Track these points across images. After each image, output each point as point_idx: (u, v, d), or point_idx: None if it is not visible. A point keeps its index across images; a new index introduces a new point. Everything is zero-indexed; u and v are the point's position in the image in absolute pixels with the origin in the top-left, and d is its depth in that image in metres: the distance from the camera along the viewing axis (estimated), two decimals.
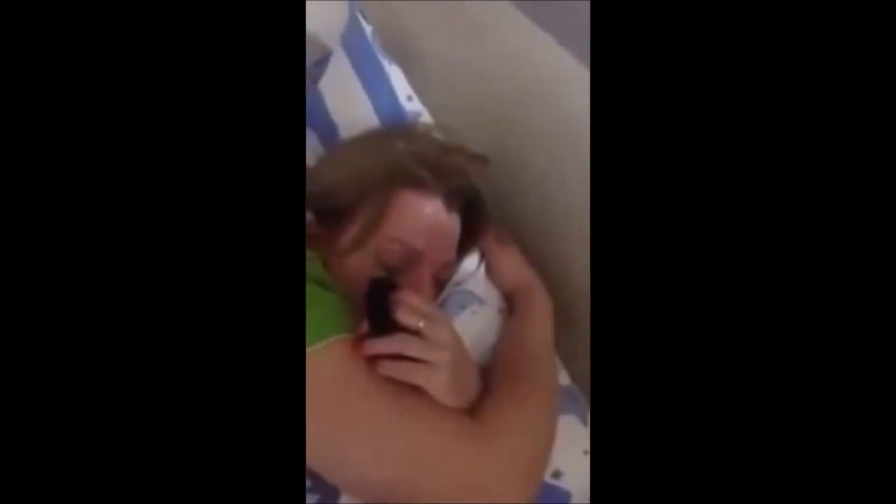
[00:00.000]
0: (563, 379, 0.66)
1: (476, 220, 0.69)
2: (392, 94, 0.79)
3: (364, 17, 0.82)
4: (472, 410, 0.52)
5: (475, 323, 0.64)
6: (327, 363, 0.48)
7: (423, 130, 0.75)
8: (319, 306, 0.50)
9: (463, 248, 0.69)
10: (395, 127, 0.77)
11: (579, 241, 0.67)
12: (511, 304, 0.67)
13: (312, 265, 0.54)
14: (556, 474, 0.59)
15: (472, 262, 0.70)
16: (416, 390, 0.49)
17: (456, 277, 0.68)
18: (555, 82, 0.75)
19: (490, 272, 0.70)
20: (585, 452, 0.59)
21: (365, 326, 0.50)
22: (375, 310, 0.51)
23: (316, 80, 0.86)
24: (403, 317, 0.50)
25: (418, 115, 0.79)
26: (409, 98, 0.79)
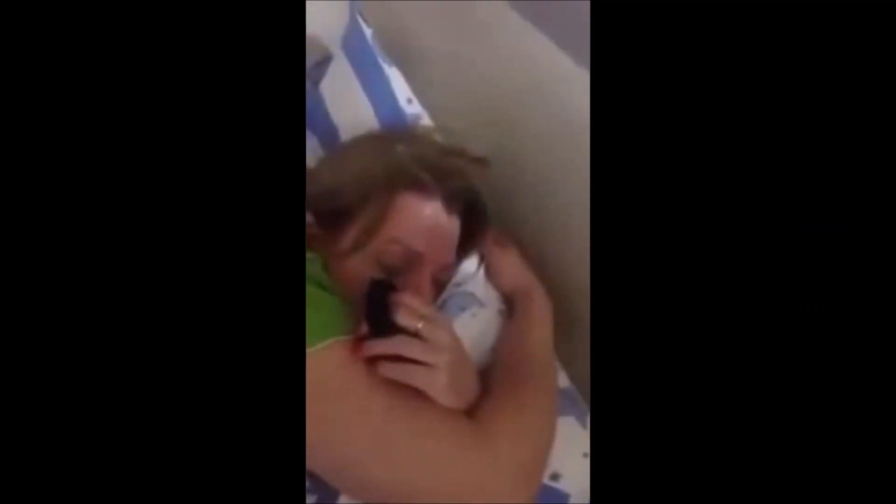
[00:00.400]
0: (563, 381, 0.66)
1: (476, 222, 0.69)
2: (392, 96, 0.79)
3: (364, 20, 0.82)
4: (472, 412, 0.52)
5: (475, 325, 0.64)
6: (327, 364, 0.48)
7: (423, 133, 0.75)
8: (319, 308, 0.50)
9: (463, 250, 0.69)
10: (395, 129, 0.77)
11: (579, 242, 0.67)
12: (511, 305, 0.67)
13: (312, 267, 0.54)
14: (555, 476, 0.59)
15: (471, 263, 0.70)
16: (415, 392, 0.49)
17: (455, 279, 0.68)
18: (555, 84, 0.75)
19: (490, 274, 0.70)
20: (584, 454, 0.59)
21: (364, 328, 0.50)
22: (375, 311, 0.51)
23: (316, 83, 0.86)
24: (403, 318, 0.50)
25: (418, 117, 0.79)
26: (409, 100, 0.79)
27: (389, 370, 0.49)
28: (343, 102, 0.82)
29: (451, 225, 0.66)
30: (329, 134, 0.82)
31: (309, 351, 0.46)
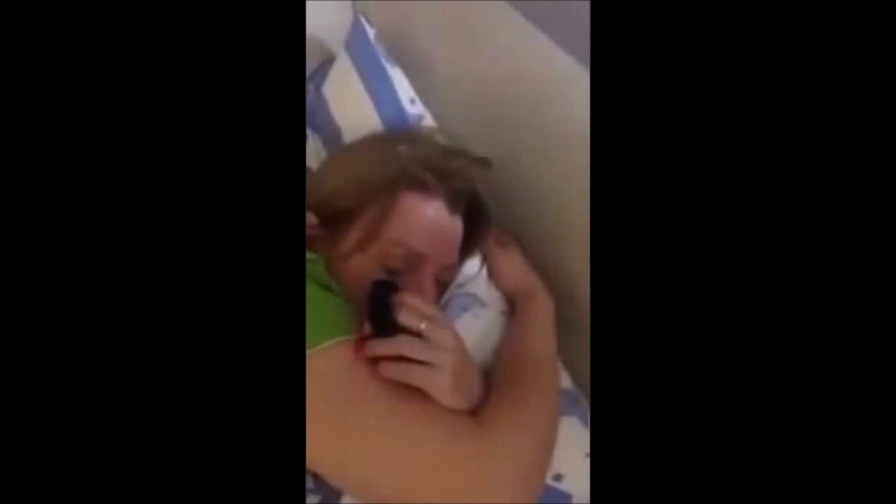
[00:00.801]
0: (565, 381, 0.66)
1: (478, 223, 0.69)
2: (395, 97, 0.79)
3: (367, 21, 0.82)
4: (474, 413, 0.52)
5: (477, 325, 0.64)
6: (329, 365, 0.48)
7: (425, 134, 0.75)
8: (322, 308, 0.50)
9: (465, 251, 0.69)
10: (398, 130, 0.77)
11: (580, 242, 0.67)
12: (513, 306, 0.67)
13: (315, 267, 0.54)
14: (558, 477, 0.59)
15: (473, 264, 0.70)
16: (417, 392, 0.49)
17: (458, 280, 0.68)
18: (556, 84, 0.75)
19: (492, 275, 0.70)
20: (587, 455, 0.59)
21: (367, 328, 0.50)
22: (377, 311, 0.51)
23: (319, 84, 0.86)
24: (405, 319, 0.50)
25: (421, 118, 0.79)
26: (412, 101, 0.80)
27: (392, 370, 0.49)
28: (346, 103, 0.82)
29: (453, 226, 0.66)
30: (332, 135, 0.82)
31: (312, 351, 0.47)
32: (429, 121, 0.79)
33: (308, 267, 0.52)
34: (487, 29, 0.83)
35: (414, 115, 0.79)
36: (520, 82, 0.79)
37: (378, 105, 0.79)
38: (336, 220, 0.62)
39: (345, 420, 0.48)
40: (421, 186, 0.63)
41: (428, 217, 0.63)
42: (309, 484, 0.56)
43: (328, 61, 0.89)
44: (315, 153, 0.82)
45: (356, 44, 0.82)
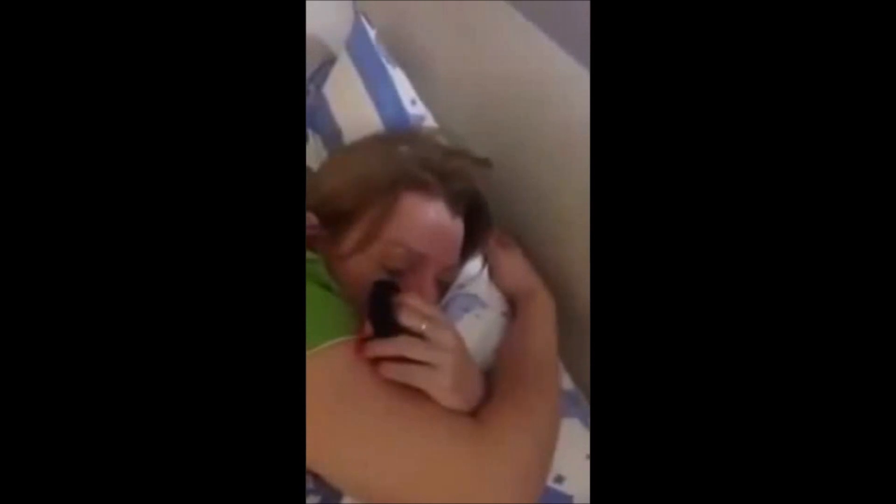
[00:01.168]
0: (566, 383, 0.66)
1: (479, 224, 0.69)
2: (396, 97, 0.79)
3: (368, 22, 0.82)
4: (475, 414, 0.52)
5: (478, 326, 0.64)
6: (330, 364, 0.48)
7: (426, 134, 0.75)
8: (323, 308, 0.50)
9: (466, 252, 0.69)
10: (399, 131, 0.77)
11: (581, 243, 0.67)
12: (514, 307, 0.67)
13: (316, 267, 0.54)
14: (559, 478, 0.59)
15: (474, 265, 0.70)
16: (418, 393, 0.49)
17: (459, 280, 0.68)
18: (557, 86, 0.75)
19: (493, 275, 0.70)
20: (588, 456, 0.59)
21: (368, 328, 0.50)
22: (378, 312, 0.51)
23: (320, 85, 0.87)
24: (406, 319, 0.50)
25: (422, 118, 0.79)
26: (413, 102, 0.80)
27: (392, 371, 0.49)
28: (347, 104, 0.82)
29: (454, 226, 0.66)
30: (333, 135, 0.82)
31: (312, 351, 0.46)
32: (430, 121, 0.80)
33: (309, 267, 0.52)
34: (488, 29, 0.83)
35: (415, 116, 0.79)
36: (520, 83, 0.79)
37: (379, 105, 0.79)
38: (337, 220, 0.62)
39: (345, 420, 0.48)
40: (422, 187, 0.63)
41: (429, 218, 0.63)
42: (309, 484, 0.56)
43: (329, 62, 0.89)
44: (316, 153, 0.82)
45: (357, 44, 0.83)
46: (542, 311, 0.65)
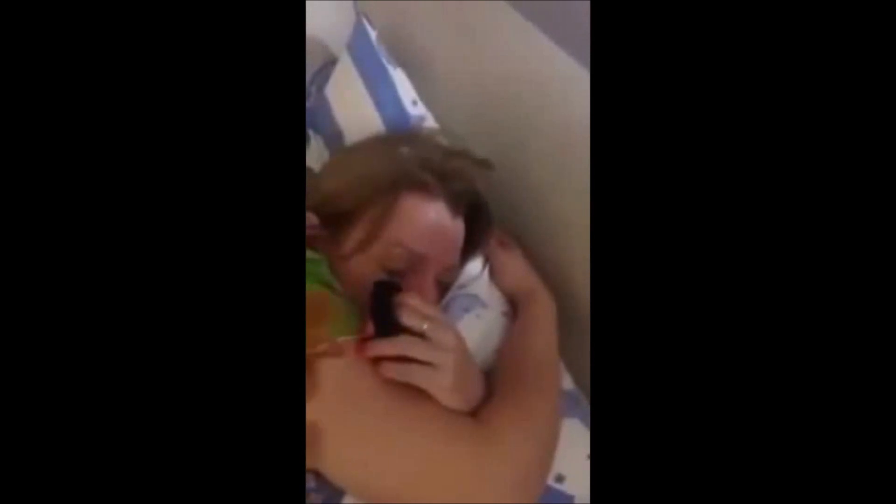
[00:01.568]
0: (567, 383, 0.66)
1: (479, 224, 0.69)
2: (397, 98, 0.79)
3: (369, 23, 0.83)
4: (475, 413, 0.52)
5: (478, 326, 0.64)
6: (332, 364, 0.48)
7: (427, 135, 0.76)
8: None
9: (466, 252, 0.69)
10: (400, 131, 0.77)
11: (581, 243, 0.67)
12: (515, 307, 0.68)
13: (318, 267, 0.54)
14: (559, 478, 0.59)
15: (475, 265, 0.70)
16: (419, 392, 0.49)
17: (459, 281, 0.68)
18: (557, 86, 0.75)
19: (493, 276, 0.70)
20: (588, 457, 0.59)
21: (369, 328, 0.51)
22: (379, 312, 0.51)
23: (322, 86, 0.87)
24: (407, 319, 0.50)
25: (423, 119, 0.79)
26: (414, 102, 0.80)
27: (393, 370, 0.49)
28: (348, 105, 0.82)
29: (454, 227, 0.66)
30: (334, 136, 0.82)
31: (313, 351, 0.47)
32: (430, 122, 0.80)
33: (311, 266, 0.53)
34: (488, 30, 0.83)
35: (416, 117, 0.79)
36: (521, 83, 0.79)
37: (380, 106, 0.79)
38: (337, 220, 0.63)
39: (346, 419, 0.48)
40: (422, 188, 0.63)
41: (429, 218, 0.63)
42: (311, 483, 0.56)
43: (330, 63, 0.89)
44: (317, 154, 0.82)
45: (358, 46, 0.83)
46: (543, 312, 0.65)
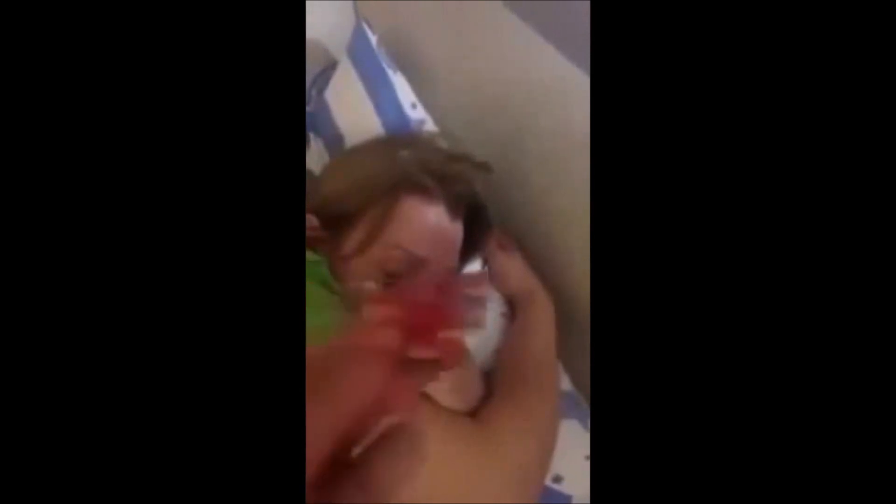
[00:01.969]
0: (565, 384, 0.66)
1: (478, 227, 0.69)
2: (396, 101, 0.79)
3: (369, 27, 0.83)
4: (474, 414, 0.53)
5: None
6: None
7: (426, 138, 0.76)
8: (324, 308, 0.50)
9: (466, 254, 0.69)
10: (400, 134, 0.77)
11: (581, 245, 0.67)
12: (514, 309, 0.68)
13: (318, 268, 0.55)
14: (557, 479, 0.59)
15: (475, 267, 0.70)
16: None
17: None
18: (557, 90, 0.76)
19: (493, 277, 0.70)
20: (586, 457, 0.60)
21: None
22: None
23: (322, 89, 0.87)
24: None
25: (422, 122, 0.80)
26: (414, 106, 0.80)
27: None
28: (348, 108, 0.82)
29: (453, 229, 0.66)
30: (334, 139, 0.83)
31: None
32: (430, 125, 0.80)
33: (311, 267, 0.53)
34: (488, 34, 0.84)
35: (415, 120, 0.79)
36: (520, 87, 0.79)
37: (380, 109, 0.80)
38: (337, 222, 0.63)
39: None
40: (422, 190, 0.64)
41: (428, 221, 0.64)
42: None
43: (331, 66, 0.90)
44: (318, 157, 0.82)
45: (358, 49, 0.83)
46: (542, 313, 0.66)
